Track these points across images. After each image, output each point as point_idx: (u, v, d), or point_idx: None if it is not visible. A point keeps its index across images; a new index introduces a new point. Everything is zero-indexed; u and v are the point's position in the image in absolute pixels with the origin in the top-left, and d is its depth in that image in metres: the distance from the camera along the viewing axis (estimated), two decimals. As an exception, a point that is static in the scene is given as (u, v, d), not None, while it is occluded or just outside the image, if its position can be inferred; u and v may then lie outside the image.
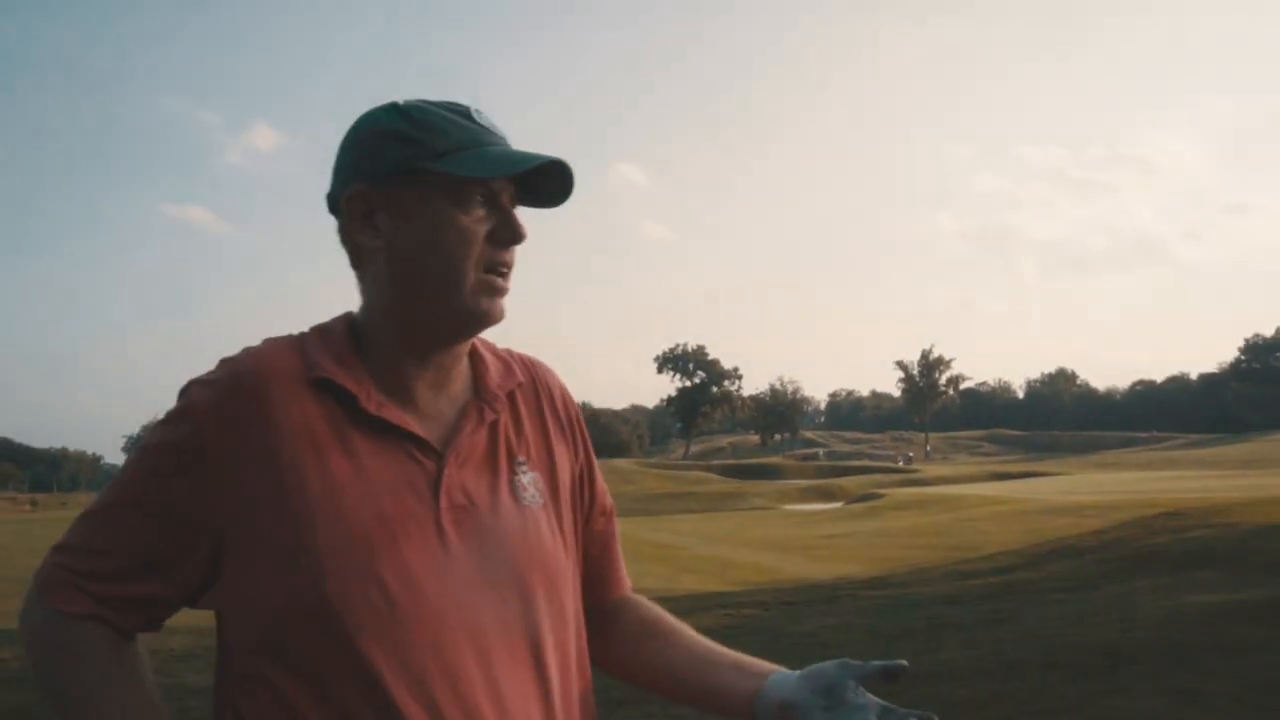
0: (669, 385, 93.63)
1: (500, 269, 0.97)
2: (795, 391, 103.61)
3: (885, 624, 7.87)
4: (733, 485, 43.37)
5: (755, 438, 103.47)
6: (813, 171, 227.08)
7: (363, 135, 0.99)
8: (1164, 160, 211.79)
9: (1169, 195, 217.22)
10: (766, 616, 8.59)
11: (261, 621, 0.89)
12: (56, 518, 23.79)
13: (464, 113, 0.98)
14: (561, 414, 1.10)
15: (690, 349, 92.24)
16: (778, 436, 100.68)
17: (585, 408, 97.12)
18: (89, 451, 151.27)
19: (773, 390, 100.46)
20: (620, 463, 56.40)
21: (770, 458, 76.13)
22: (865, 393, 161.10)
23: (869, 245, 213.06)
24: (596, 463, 1.15)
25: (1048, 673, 5.54)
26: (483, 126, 0.98)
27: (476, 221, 0.96)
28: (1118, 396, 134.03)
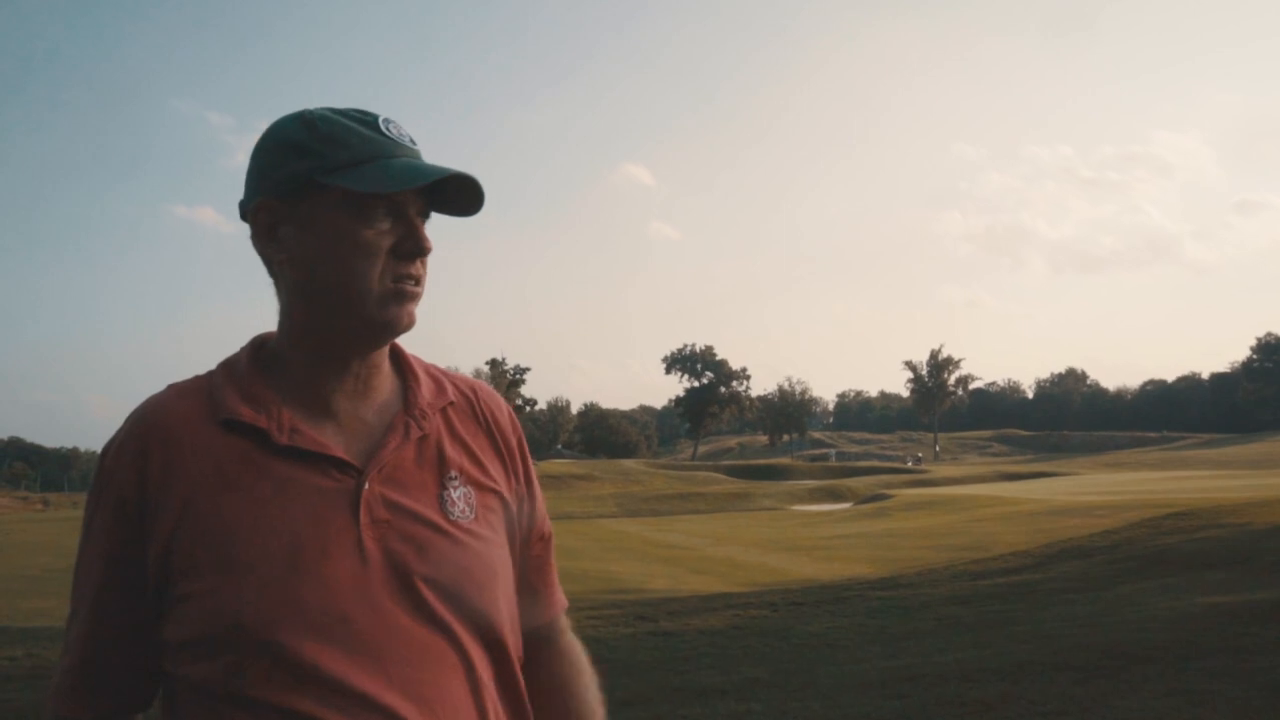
0: (677, 386, 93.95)
1: (407, 280, 0.98)
2: (803, 392, 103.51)
3: (894, 625, 7.86)
4: (741, 486, 43.32)
5: (763, 438, 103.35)
6: (820, 171, 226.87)
7: (267, 146, 0.99)
8: (1174, 159, 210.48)
9: (1179, 194, 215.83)
10: (775, 617, 8.58)
11: (194, 662, 0.91)
12: (67, 517, 23.92)
13: (371, 123, 0.98)
14: (499, 437, 1.10)
15: (698, 349, 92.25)
16: (786, 437, 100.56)
17: (593, 408, 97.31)
18: (99, 451, 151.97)
19: (781, 391, 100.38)
20: (628, 463, 56.39)
21: (779, 458, 76.01)
22: (874, 393, 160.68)
23: (877, 245, 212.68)
24: (539, 489, 1.16)
25: (1057, 673, 5.53)
26: (389, 138, 0.98)
27: (379, 235, 0.96)
28: (1128, 396, 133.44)
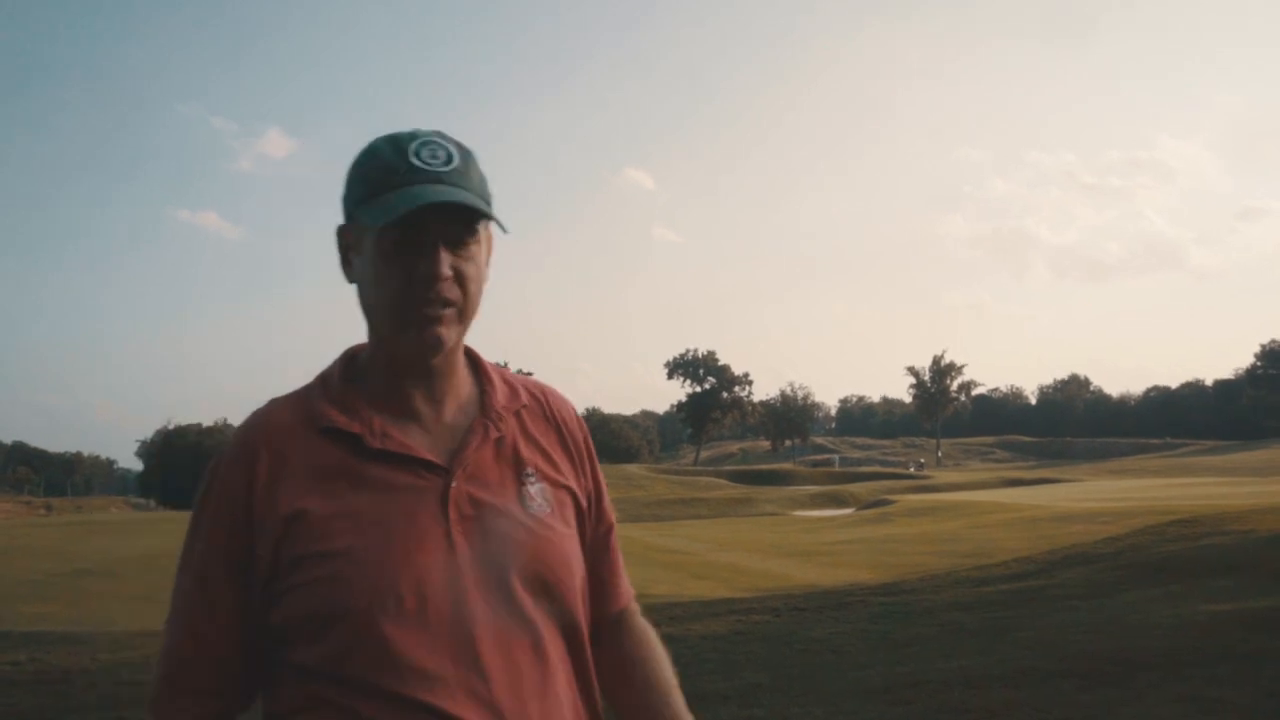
0: (679, 391, 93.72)
1: (429, 304, 1.02)
2: (806, 397, 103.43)
3: (897, 631, 7.85)
4: (743, 491, 43.28)
5: (766, 444, 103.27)
6: (823, 175, 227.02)
7: (348, 173, 1.07)
8: (1178, 165, 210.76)
9: (1183, 200, 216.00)
10: (777, 623, 8.57)
11: (303, 649, 0.99)
12: (70, 521, 23.94)
13: (401, 149, 1.02)
14: (569, 437, 1.18)
15: (701, 354, 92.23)
16: (788, 442, 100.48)
17: (595, 413, 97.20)
18: (103, 456, 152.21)
19: (783, 396, 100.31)
20: (630, 468, 56.37)
21: (781, 464, 75.93)
22: (876, 399, 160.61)
23: (880, 250, 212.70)
24: (605, 484, 1.23)
25: (1061, 680, 5.52)
26: (410, 165, 1.01)
27: (394, 262, 1.02)
28: (1131, 403, 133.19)
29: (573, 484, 1.15)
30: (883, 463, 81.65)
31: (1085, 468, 65.65)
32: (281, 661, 1.02)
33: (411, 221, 1.00)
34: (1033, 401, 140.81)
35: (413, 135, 1.04)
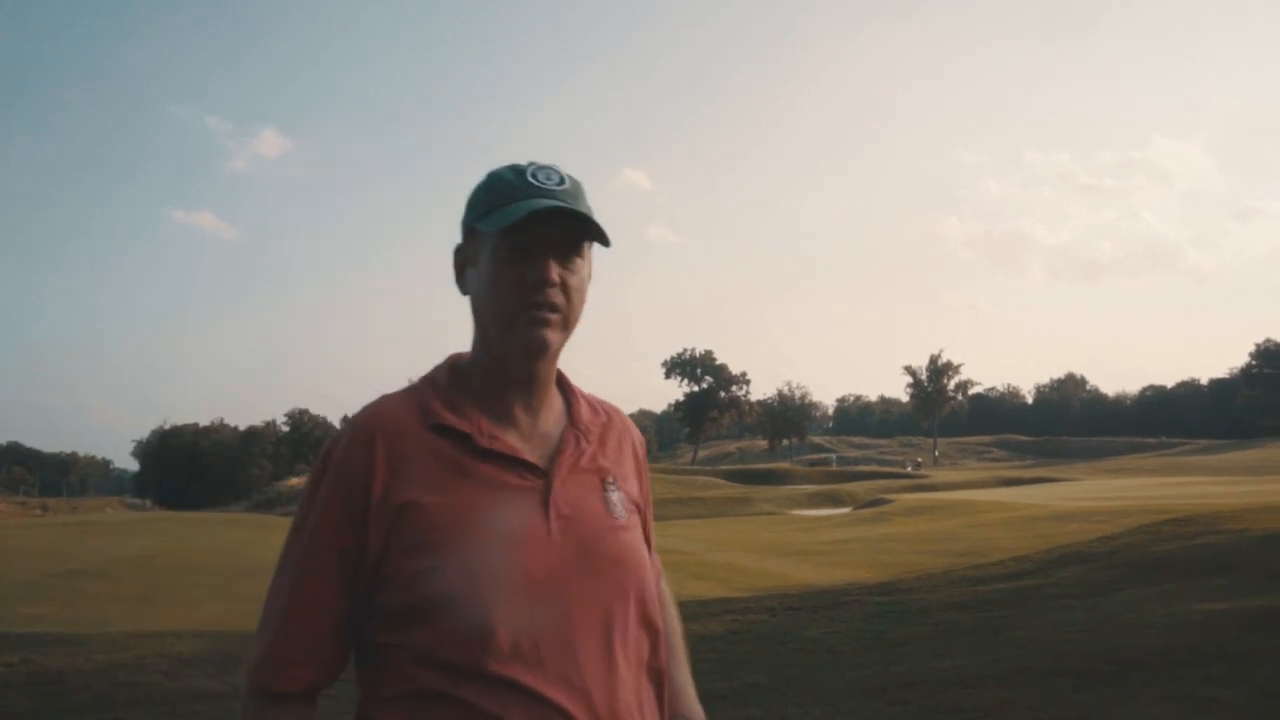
0: (676, 390, 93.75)
1: (536, 309, 1.13)
2: (803, 397, 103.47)
3: (892, 630, 7.86)
4: (740, 490, 43.31)
5: (763, 443, 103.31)
6: (819, 175, 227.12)
7: (470, 196, 1.21)
8: (1173, 165, 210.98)
9: (1178, 201, 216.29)
10: (774, 622, 8.57)
11: (408, 630, 1.07)
12: (66, 522, 23.89)
13: (519, 172, 1.16)
14: (630, 454, 1.30)
15: (698, 354, 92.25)
16: (786, 442, 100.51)
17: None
18: (98, 456, 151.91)
19: (780, 395, 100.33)
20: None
21: (778, 463, 75.93)
22: (873, 398, 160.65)
23: (877, 250, 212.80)
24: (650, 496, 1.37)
25: (1055, 680, 5.53)
26: (528, 183, 1.14)
27: (509, 269, 1.13)
28: (1127, 402, 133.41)
29: (636, 494, 1.27)
30: (880, 462, 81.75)
31: (1081, 467, 65.77)
32: (384, 644, 1.09)
33: (526, 229, 1.11)
34: (1029, 401, 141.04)
35: (530, 162, 1.17)
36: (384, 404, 1.17)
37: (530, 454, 1.16)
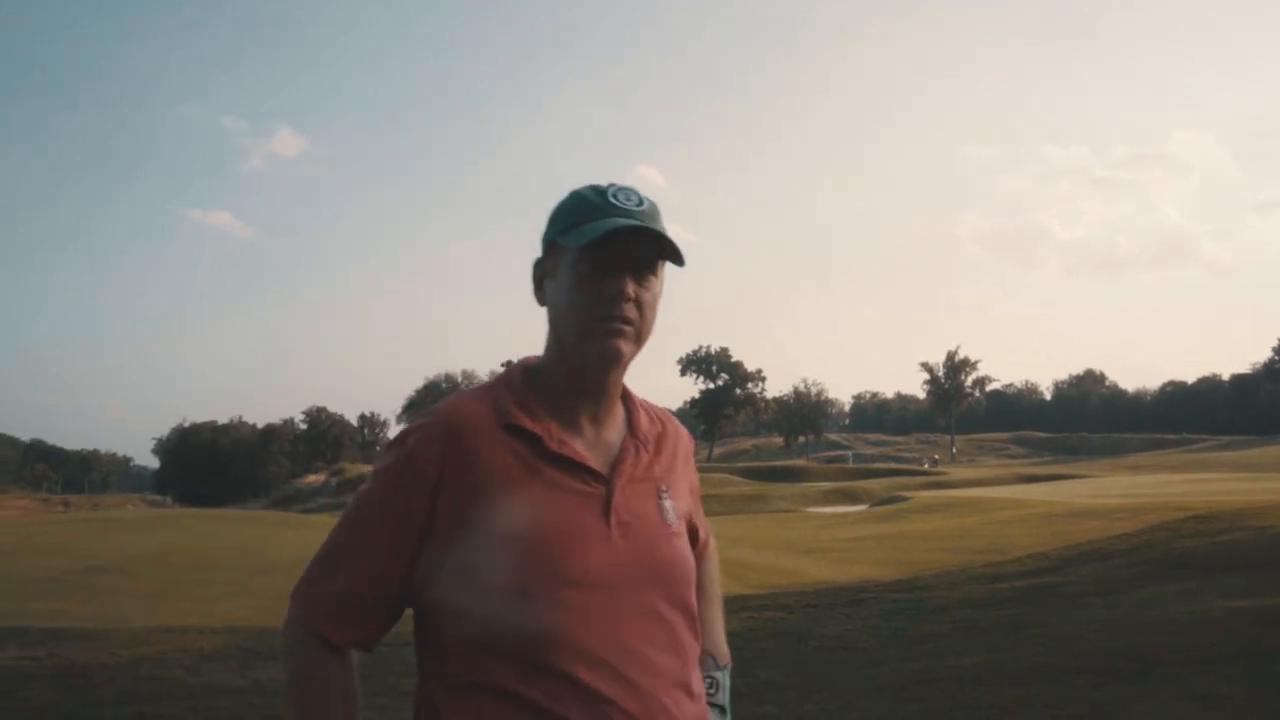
0: (692, 387, 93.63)
1: (610, 320, 1.19)
2: (819, 394, 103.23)
3: (910, 628, 7.83)
4: (756, 488, 43.23)
5: (779, 440, 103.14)
6: (833, 173, 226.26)
7: (551, 213, 1.26)
8: (1191, 158, 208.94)
9: (1196, 194, 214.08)
10: (790, 619, 8.56)
11: (471, 621, 1.13)
12: (87, 519, 24.13)
13: (601, 192, 1.22)
14: (684, 459, 1.37)
15: (713, 351, 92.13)
16: (801, 439, 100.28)
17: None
18: (119, 453, 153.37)
19: (796, 392, 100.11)
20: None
21: (794, 460, 75.78)
22: (890, 395, 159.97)
23: (893, 247, 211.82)
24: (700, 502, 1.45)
25: (1075, 677, 5.50)
26: (609, 203, 1.21)
27: (586, 281, 1.19)
28: (1147, 398, 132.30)
29: (686, 500, 1.34)
30: (897, 459, 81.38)
31: (1101, 463, 65.26)
32: (449, 630, 1.15)
33: (606, 246, 1.17)
34: (1047, 397, 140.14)
35: (611, 184, 1.24)
36: (459, 400, 1.23)
37: (594, 461, 1.22)
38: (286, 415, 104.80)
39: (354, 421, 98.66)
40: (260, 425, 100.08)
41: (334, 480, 65.17)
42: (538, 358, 1.29)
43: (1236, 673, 5.30)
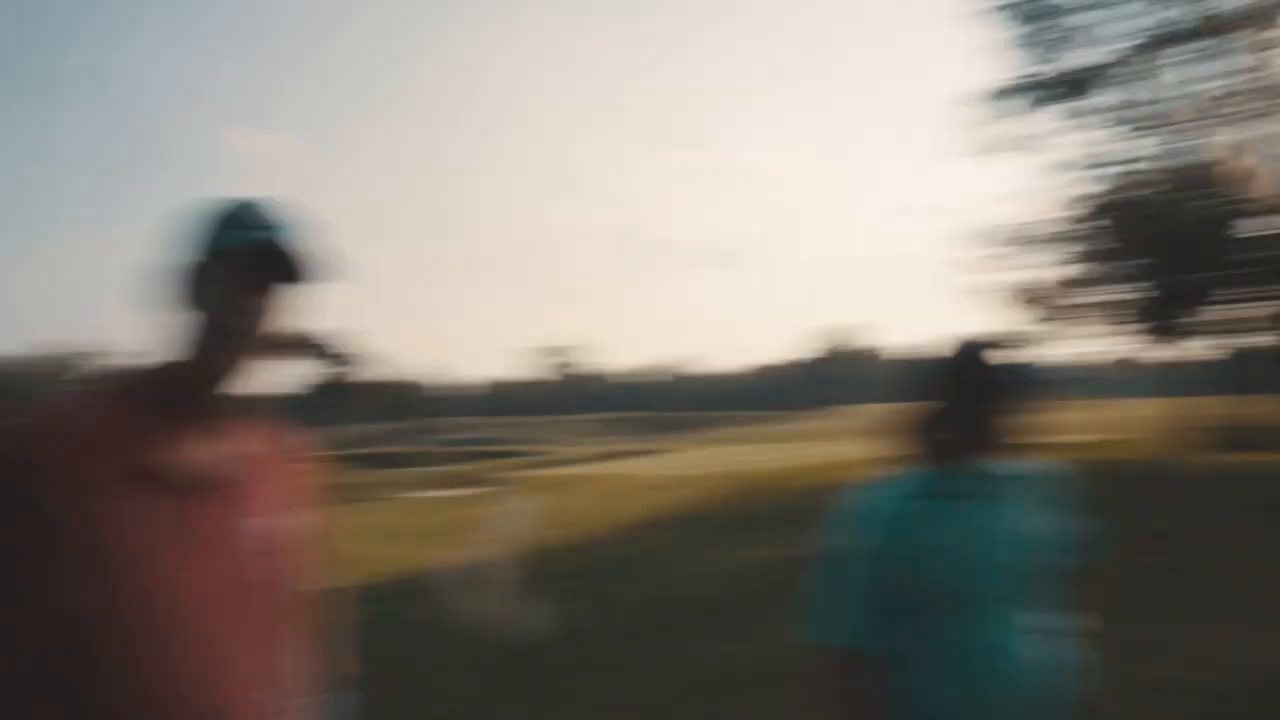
0: (300, 373, 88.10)
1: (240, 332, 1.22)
2: (433, 377, 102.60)
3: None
4: (365, 475, 42.00)
5: (391, 426, 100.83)
6: (446, 156, 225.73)
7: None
8: (771, 174, 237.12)
9: (771, 205, 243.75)
10: (381, 608, 8.57)
11: (42, 627, 1.08)
12: None
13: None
14: (282, 475, 1.35)
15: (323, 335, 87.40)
16: (406, 423, 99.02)
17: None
18: None
19: (408, 377, 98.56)
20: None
21: (403, 446, 74.56)
22: (521, 379, 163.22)
23: (498, 235, 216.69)
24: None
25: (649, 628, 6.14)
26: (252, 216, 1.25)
27: (237, 294, 1.22)
28: (740, 379, 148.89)
29: (285, 517, 1.36)
30: (503, 441, 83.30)
31: (681, 438, 72.19)
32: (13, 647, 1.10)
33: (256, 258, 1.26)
34: (666, 380, 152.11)
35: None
36: (54, 404, 1.16)
37: (185, 471, 1.20)
38: None
39: None
40: None
41: None
42: (146, 363, 1.23)
43: (766, 611, 6.32)
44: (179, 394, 1.21)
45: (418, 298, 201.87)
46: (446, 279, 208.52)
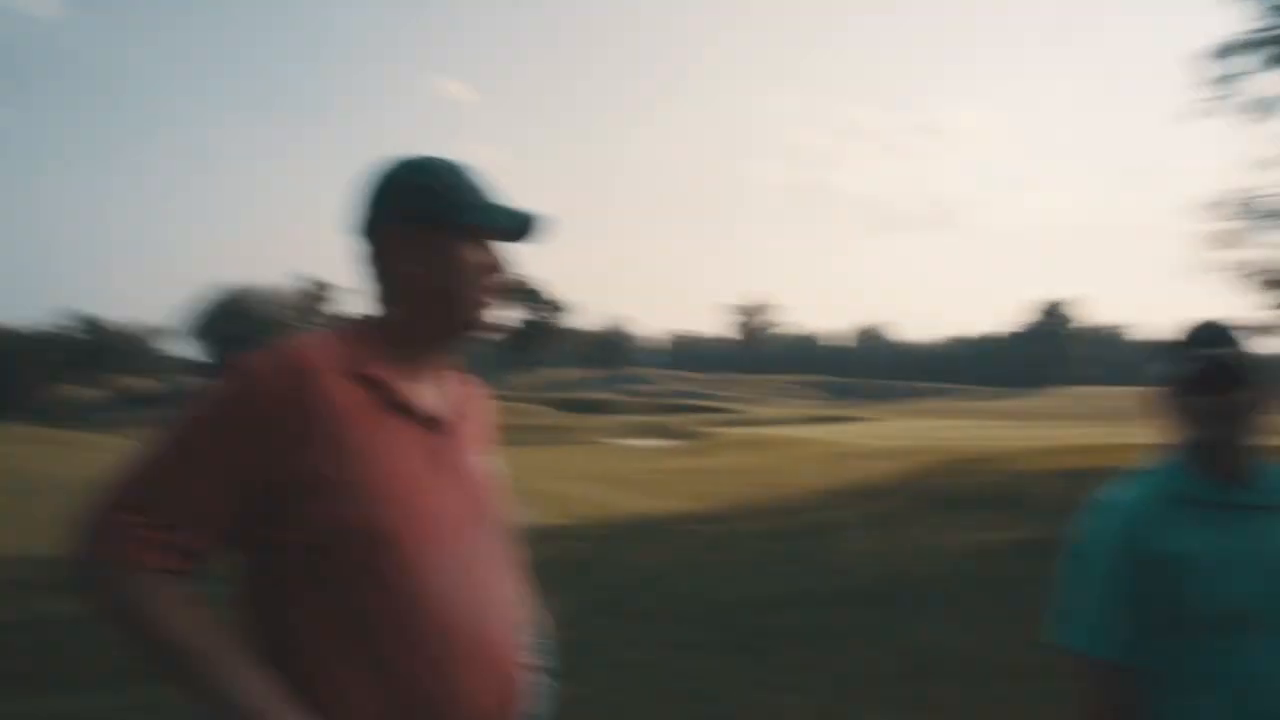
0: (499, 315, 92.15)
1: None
2: (625, 328, 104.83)
3: (704, 557, 8.28)
4: (564, 419, 43.75)
5: (585, 372, 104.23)
6: (645, 109, 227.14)
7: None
8: (969, 131, 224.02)
9: (967, 166, 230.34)
10: (595, 549, 8.84)
11: (317, 551, 1.13)
12: None
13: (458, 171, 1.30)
14: (483, 414, 1.44)
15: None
16: (609, 372, 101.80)
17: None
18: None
19: (604, 327, 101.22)
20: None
21: (601, 393, 76.98)
22: (704, 334, 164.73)
23: (694, 188, 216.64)
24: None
25: (838, 604, 6.03)
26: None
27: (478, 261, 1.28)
28: (935, 350, 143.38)
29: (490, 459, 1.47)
30: (703, 396, 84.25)
31: (884, 408, 70.34)
32: (283, 575, 1.15)
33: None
34: (842, 344, 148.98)
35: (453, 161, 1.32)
36: (310, 342, 1.19)
37: (432, 410, 1.27)
38: (29, 317, 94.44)
39: (133, 330, 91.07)
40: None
41: (114, 396, 60.28)
42: (377, 313, 1.29)
43: (987, 598, 6.01)
44: (415, 340, 1.27)
45: (605, 249, 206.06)
46: (634, 231, 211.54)
